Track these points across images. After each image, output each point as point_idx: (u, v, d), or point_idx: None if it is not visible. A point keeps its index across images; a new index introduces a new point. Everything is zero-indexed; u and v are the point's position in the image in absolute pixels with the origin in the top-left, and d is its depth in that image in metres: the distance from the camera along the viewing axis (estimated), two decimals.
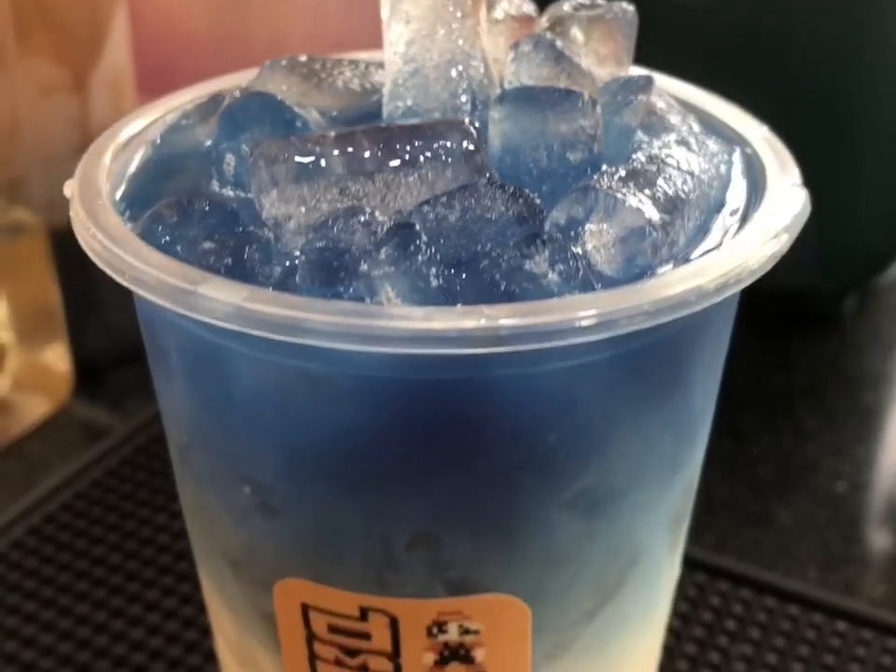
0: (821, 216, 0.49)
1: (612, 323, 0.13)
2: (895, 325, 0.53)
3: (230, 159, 0.17)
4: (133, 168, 0.18)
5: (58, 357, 0.45)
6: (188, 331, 0.15)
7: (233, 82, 0.20)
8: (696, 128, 0.18)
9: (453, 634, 0.17)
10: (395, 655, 0.17)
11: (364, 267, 0.14)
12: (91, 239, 0.15)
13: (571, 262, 0.14)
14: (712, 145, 0.17)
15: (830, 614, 0.35)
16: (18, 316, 0.44)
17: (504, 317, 0.13)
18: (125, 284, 0.15)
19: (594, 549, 0.17)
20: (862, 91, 0.45)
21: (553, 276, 0.14)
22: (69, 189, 0.17)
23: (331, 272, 0.14)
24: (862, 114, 0.46)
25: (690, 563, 0.37)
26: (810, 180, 0.48)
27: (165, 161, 0.18)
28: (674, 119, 0.18)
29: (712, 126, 0.19)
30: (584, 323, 0.13)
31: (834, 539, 0.39)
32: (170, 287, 0.14)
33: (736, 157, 0.18)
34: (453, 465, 0.15)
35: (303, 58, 0.19)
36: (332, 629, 0.17)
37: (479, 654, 0.17)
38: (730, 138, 0.18)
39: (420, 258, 0.14)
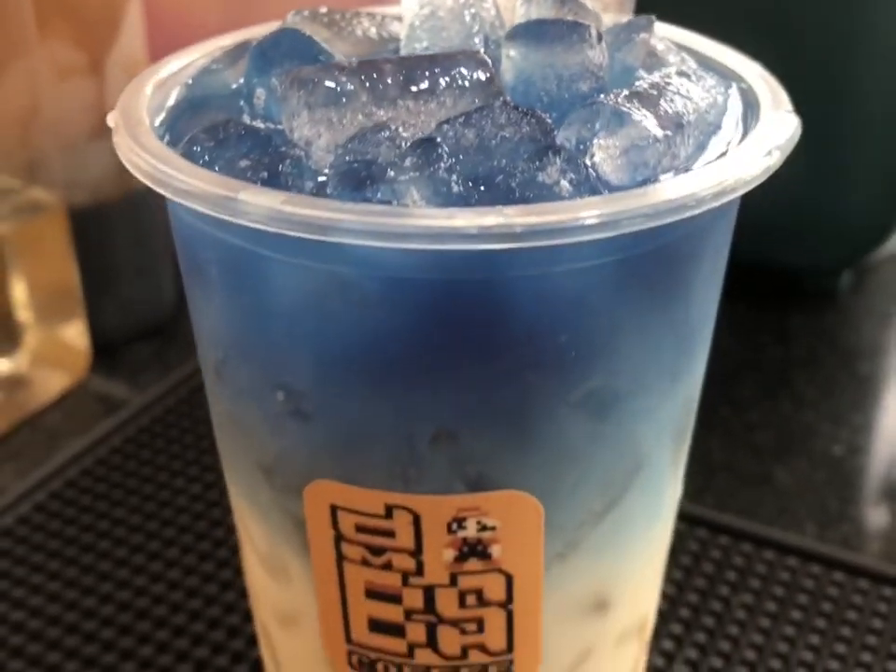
0: (816, 193, 0.50)
1: (615, 223, 0.15)
2: (890, 300, 0.54)
3: (260, 93, 0.18)
4: (169, 104, 0.19)
5: (76, 334, 0.46)
6: (227, 244, 0.17)
7: (260, 32, 0.21)
8: (694, 66, 0.19)
9: (471, 530, 0.18)
10: (417, 552, 0.19)
11: (391, 174, 0.15)
12: (135, 158, 0.16)
13: (580, 172, 0.16)
14: (709, 79, 0.19)
15: (828, 565, 0.36)
16: (37, 294, 0.45)
17: (518, 216, 0.15)
18: (170, 196, 0.16)
19: (601, 450, 0.18)
20: (857, 69, 0.47)
21: (564, 184, 0.16)
22: (111, 119, 0.18)
23: (360, 180, 0.15)
24: (857, 91, 0.47)
25: (691, 519, 0.38)
26: (805, 159, 0.50)
27: (198, 100, 0.20)
28: (672, 58, 0.20)
29: (709, 65, 0.20)
30: (589, 221, 0.15)
31: (832, 498, 0.40)
32: (213, 195, 0.15)
33: (733, 90, 0.19)
34: (471, 364, 0.17)
35: (324, 9, 0.21)
36: (359, 528, 0.18)
37: (495, 551, 0.19)
38: (726, 75, 0.20)
39: (442, 165, 0.15)
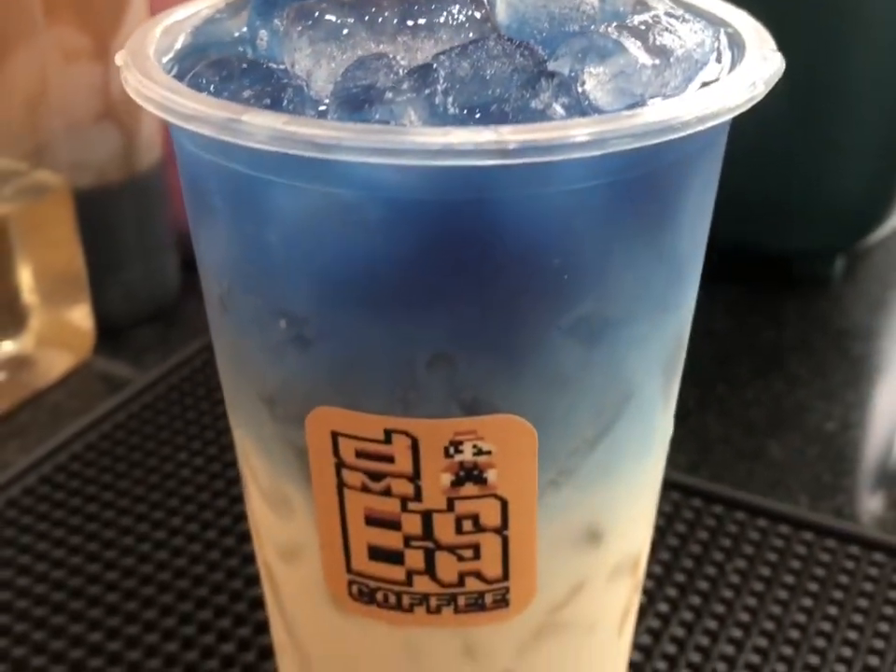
0: (808, 179, 0.51)
1: (602, 142, 0.16)
2: (882, 285, 0.55)
3: (262, 34, 0.19)
4: (176, 47, 0.20)
5: (80, 316, 0.47)
6: (231, 171, 0.17)
7: None
8: (682, 11, 0.20)
9: (467, 454, 0.19)
10: (415, 477, 0.19)
11: (388, 95, 0.16)
12: (143, 89, 0.17)
13: (572, 98, 0.16)
14: (697, 22, 0.19)
15: (819, 533, 0.37)
16: (42, 277, 0.46)
17: (512, 133, 0.15)
18: (178, 122, 0.17)
19: (592, 377, 0.19)
20: (850, 55, 0.48)
21: (556, 109, 0.16)
22: (119, 57, 0.19)
23: (359, 103, 0.16)
24: (850, 78, 0.48)
25: (686, 490, 0.39)
26: (797, 145, 0.51)
27: (201, 46, 0.20)
28: (660, 6, 0.20)
29: (697, 12, 0.21)
30: (578, 139, 0.15)
31: (825, 471, 0.41)
32: (217, 118, 0.16)
33: (720, 34, 0.20)
34: (466, 287, 0.17)
35: None
36: (359, 454, 0.19)
37: (491, 475, 0.19)
38: (714, 21, 0.20)
39: (438, 88, 0.16)
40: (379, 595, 0.21)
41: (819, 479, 0.41)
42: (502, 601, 0.21)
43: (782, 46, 0.46)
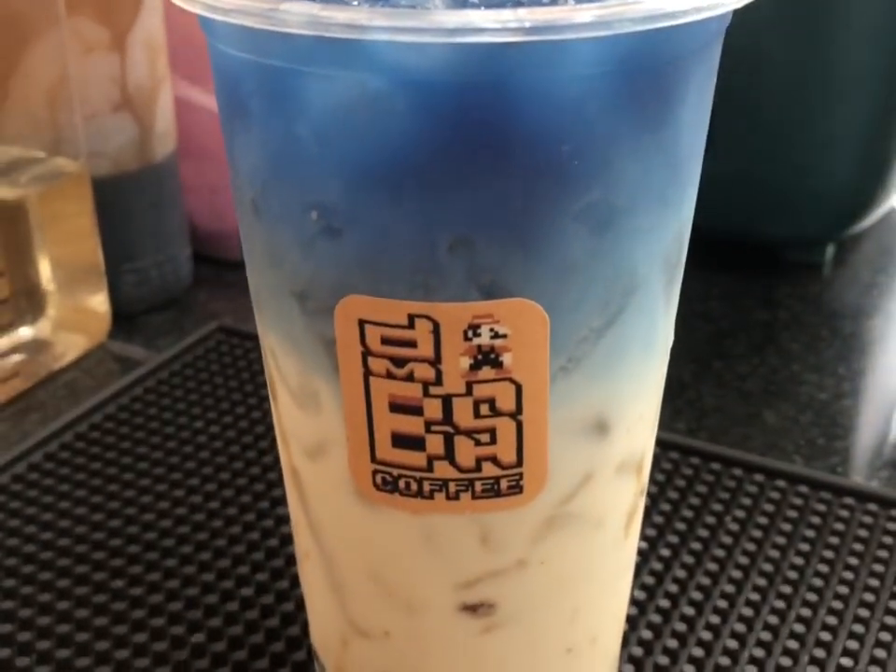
0: (798, 169, 0.52)
1: (607, 23, 0.17)
2: (871, 270, 0.56)
3: None
4: None
5: (98, 303, 0.49)
6: (268, 69, 0.19)
7: None
8: None
9: (485, 337, 0.20)
10: (436, 361, 0.21)
11: None
12: (214, 1, 0.19)
13: None
14: None
15: (814, 487, 0.38)
16: (61, 265, 0.47)
17: (527, 14, 0.17)
18: (219, 17, 0.18)
19: (600, 266, 0.20)
20: (836, 46, 0.50)
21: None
22: None
23: None
24: (837, 70, 0.50)
25: (684, 450, 0.40)
26: (787, 135, 0.52)
27: None
28: None
29: None
30: (585, 20, 0.17)
31: (818, 436, 0.42)
32: (256, 9, 0.18)
33: None
34: (485, 170, 0.19)
35: None
36: (384, 341, 0.21)
37: (506, 359, 0.21)
38: None
39: None
40: (401, 483, 0.22)
41: (812, 442, 0.42)
42: (516, 487, 0.22)
43: (772, 40, 0.48)
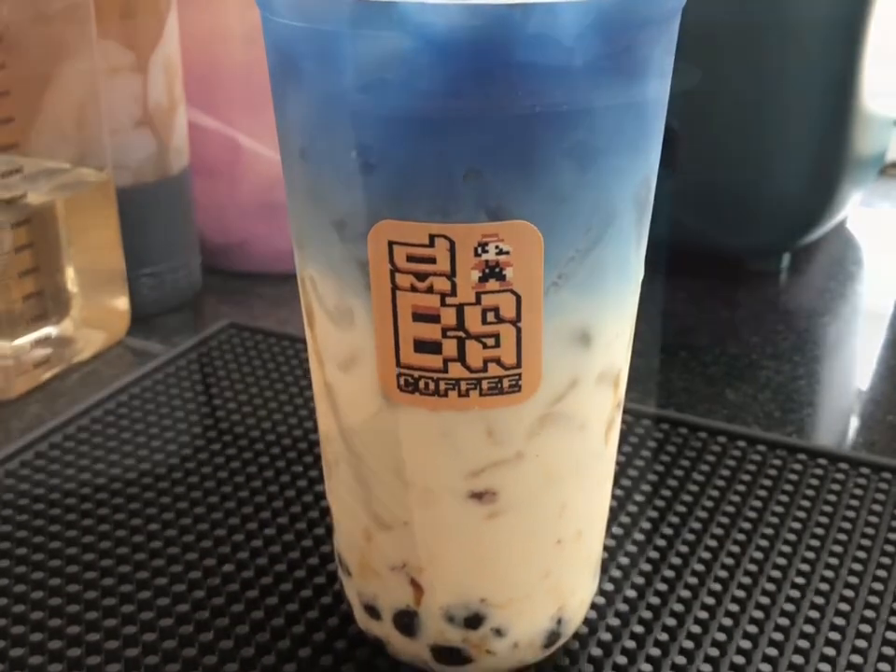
0: (753, 183, 0.58)
1: None
2: (825, 276, 0.62)
3: None
4: None
5: (118, 303, 0.53)
6: (318, 33, 0.24)
7: None
8: None
9: (491, 253, 0.25)
10: (452, 275, 0.25)
11: None
12: None
13: None
14: None
15: (771, 447, 0.43)
16: (86, 269, 0.52)
17: None
18: None
19: (585, 197, 0.25)
20: (785, 62, 0.55)
21: None
22: None
23: None
24: (785, 83, 0.56)
25: (655, 418, 0.45)
26: (743, 152, 0.58)
27: None
28: None
29: None
30: None
31: (775, 409, 0.47)
32: None
33: None
34: (491, 114, 0.24)
35: None
36: (409, 258, 0.25)
37: (508, 273, 0.25)
38: None
39: None
40: (421, 384, 0.27)
41: (770, 415, 0.47)
42: (516, 386, 0.27)
43: (727, 57, 0.55)
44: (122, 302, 0.54)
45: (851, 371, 0.53)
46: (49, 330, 0.52)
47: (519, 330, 0.26)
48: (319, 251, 0.27)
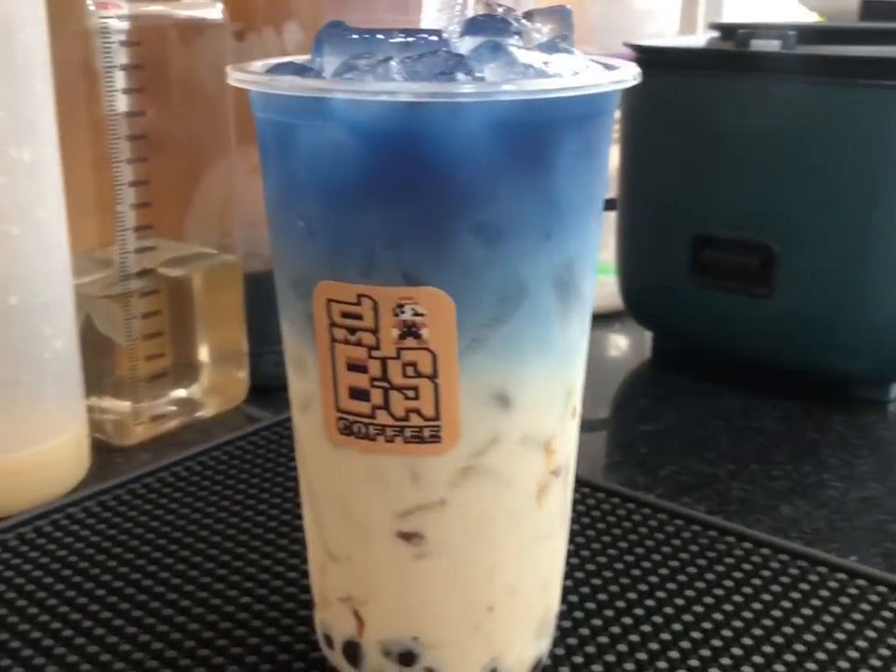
0: (856, 305, 0.58)
1: (480, 94, 0.26)
2: None
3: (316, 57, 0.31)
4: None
5: (240, 375, 0.60)
6: (275, 122, 0.29)
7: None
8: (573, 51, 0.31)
9: (408, 314, 0.29)
10: (376, 330, 0.29)
11: (360, 67, 0.27)
12: (245, 77, 0.29)
13: (476, 74, 0.27)
14: (578, 58, 0.30)
15: (811, 562, 0.43)
16: (215, 343, 0.59)
17: (418, 87, 0.27)
18: (256, 87, 0.29)
19: (494, 271, 0.29)
20: (890, 180, 0.56)
21: (461, 77, 0.27)
22: (229, 73, 0.31)
23: (342, 72, 0.28)
24: (891, 203, 0.56)
25: (682, 517, 0.46)
26: (850, 276, 0.59)
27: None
28: (577, 52, 0.31)
29: (596, 60, 0.32)
30: (464, 90, 0.26)
31: (825, 528, 0.47)
32: (263, 79, 0.28)
33: (596, 66, 0.31)
34: (407, 193, 0.28)
35: None
36: (342, 314, 0.30)
37: (424, 333, 0.29)
38: (607, 66, 0.31)
39: (393, 65, 0.27)
40: (355, 428, 0.31)
41: (818, 531, 0.47)
42: (436, 437, 0.30)
43: (834, 181, 0.57)
44: (243, 375, 0.60)
45: None
46: (181, 393, 0.58)
47: (437, 385, 0.30)
48: (284, 307, 0.32)
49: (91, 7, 0.50)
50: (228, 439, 0.54)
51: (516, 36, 0.30)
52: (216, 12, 0.55)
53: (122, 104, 0.51)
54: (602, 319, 0.73)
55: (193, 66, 0.55)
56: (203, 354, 0.59)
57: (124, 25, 0.51)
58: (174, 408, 0.57)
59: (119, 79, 0.51)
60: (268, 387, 0.62)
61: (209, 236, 0.59)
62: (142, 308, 0.54)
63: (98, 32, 0.50)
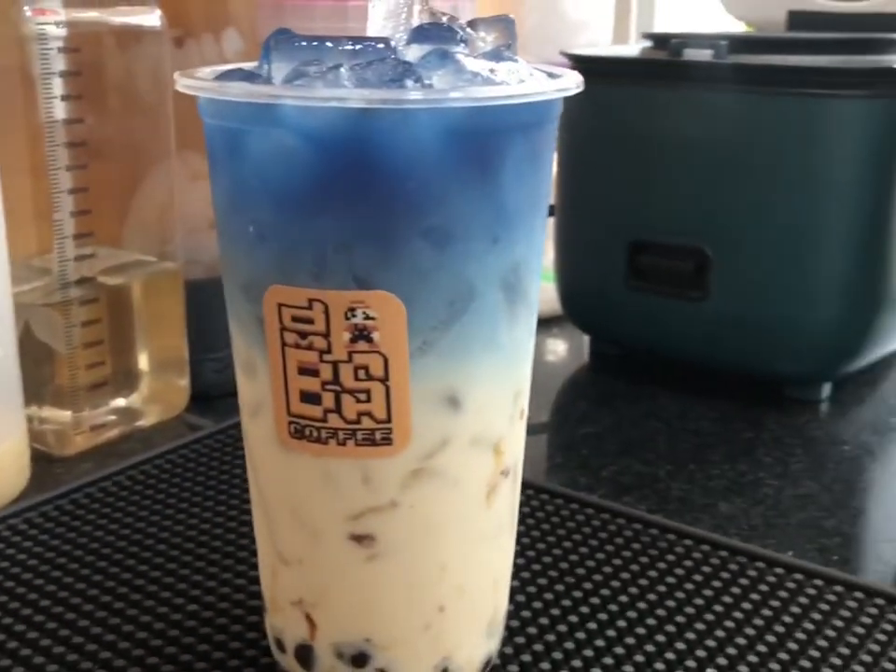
0: (788, 307, 0.60)
1: (434, 100, 0.27)
2: (870, 410, 0.62)
3: (263, 63, 0.31)
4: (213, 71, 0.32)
5: (180, 383, 0.59)
6: (225, 129, 0.29)
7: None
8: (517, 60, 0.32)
9: (360, 318, 0.29)
10: (327, 334, 0.30)
11: (309, 73, 0.28)
12: (194, 83, 0.29)
13: (424, 81, 0.28)
14: (524, 67, 0.31)
15: (750, 558, 0.44)
16: (155, 351, 0.58)
17: (369, 94, 0.27)
18: (204, 94, 0.29)
19: (442, 274, 0.29)
20: (823, 184, 0.57)
21: (409, 84, 0.28)
22: (177, 80, 0.31)
23: (291, 78, 0.28)
24: (823, 208, 0.57)
25: (624, 515, 0.47)
26: (782, 285, 0.61)
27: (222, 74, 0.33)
28: (520, 60, 0.32)
29: (540, 69, 0.32)
30: (415, 97, 0.27)
31: (762, 525, 0.48)
32: (212, 87, 0.28)
33: (539, 74, 0.31)
34: (357, 198, 0.28)
35: None
36: (293, 318, 0.30)
37: (375, 336, 0.30)
38: (551, 74, 0.32)
39: (342, 72, 0.28)
40: (306, 431, 0.31)
41: (755, 528, 0.48)
42: (387, 439, 0.31)
43: (765, 186, 0.59)
44: (184, 383, 0.60)
45: (858, 497, 0.53)
46: (120, 402, 0.58)
47: (388, 388, 0.30)
48: (233, 311, 0.32)
49: (28, 14, 0.49)
50: (169, 448, 0.54)
51: (462, 45, 0.31)
52: (154, 19, 0.55)
53: (60, 110, 0.51)
54: (541, 324, 0.74)
55: (132, 73, 0.54)
56: (144, 362, 0.59)
57: (62, 32, 0.50)
58: (114, 417, 0.57)
59: (57, 86, 0.50)
60: (209, 395, 0.62)
61: (149, 244, 0.59)
62: (82, 316, 0.53)
63: (35, 38, 0.49)
